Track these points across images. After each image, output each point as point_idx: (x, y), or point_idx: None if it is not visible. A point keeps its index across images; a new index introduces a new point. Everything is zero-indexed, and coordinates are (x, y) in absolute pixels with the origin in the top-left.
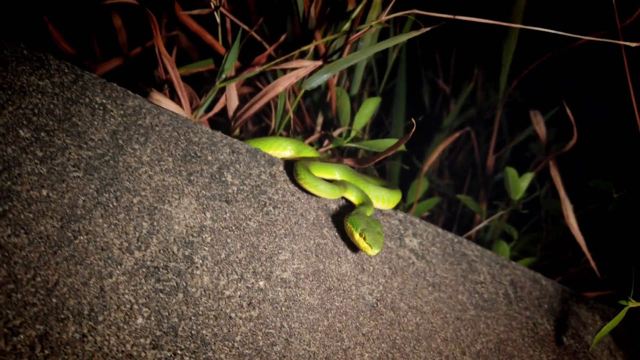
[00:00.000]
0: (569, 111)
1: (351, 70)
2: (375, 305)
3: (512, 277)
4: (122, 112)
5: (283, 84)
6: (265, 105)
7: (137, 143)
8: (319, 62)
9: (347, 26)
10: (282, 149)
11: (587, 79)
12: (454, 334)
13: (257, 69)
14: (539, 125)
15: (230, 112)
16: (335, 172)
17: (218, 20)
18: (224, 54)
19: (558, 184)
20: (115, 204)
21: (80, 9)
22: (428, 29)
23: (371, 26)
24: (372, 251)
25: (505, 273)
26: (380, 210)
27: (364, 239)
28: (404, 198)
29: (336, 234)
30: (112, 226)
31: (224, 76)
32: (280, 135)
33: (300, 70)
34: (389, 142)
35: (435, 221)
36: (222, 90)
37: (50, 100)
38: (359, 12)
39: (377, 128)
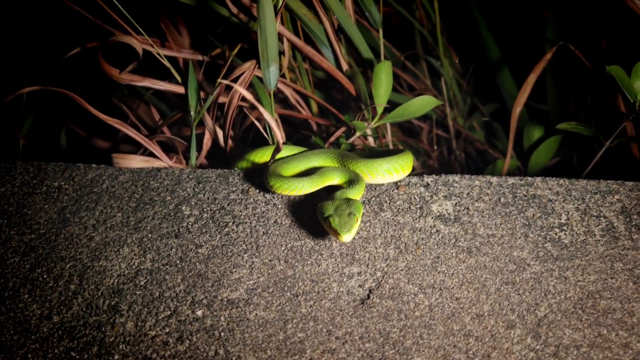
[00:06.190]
0: None
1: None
2: (366, 298)
3: (623, 204)
4: (77, 186)
5: (235, 95)
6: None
7: (85, 210)
8: (253, 60)
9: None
10: (266, 157)
11: None
12: (496, 305)
13: (213, 94)
14: None
15: (221, 140)
16: (313, 162)
17: (167, 63)
18: (185, 92)
19: None
20: (45, 276)
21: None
22: None
23: None
24: (343, 237)
25: (610, 202)
26: (396, 184)
27: (330, 225)
28: (520, 150)
29: (321, 229)
30: (37, 298)
31: (193, 114)
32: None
33: (245, 75)
34: (420, 100)
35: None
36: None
37: (5, 202)
38: None
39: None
